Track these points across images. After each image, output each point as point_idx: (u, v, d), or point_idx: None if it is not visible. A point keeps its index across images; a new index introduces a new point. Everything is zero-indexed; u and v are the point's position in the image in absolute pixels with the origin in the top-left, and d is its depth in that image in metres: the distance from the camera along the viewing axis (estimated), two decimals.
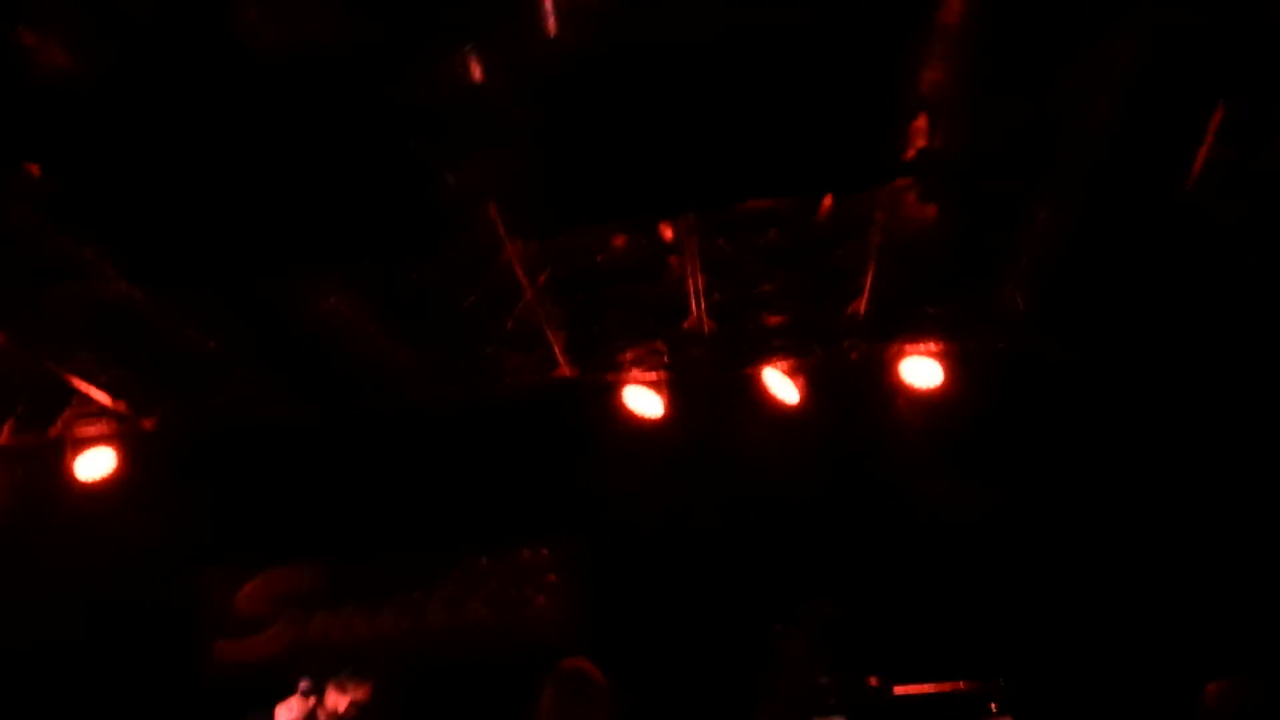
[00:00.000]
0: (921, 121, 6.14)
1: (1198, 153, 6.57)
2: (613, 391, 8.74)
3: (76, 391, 8.44)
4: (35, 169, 5.69)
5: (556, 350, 8.46)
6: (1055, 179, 6.77)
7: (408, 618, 9.77)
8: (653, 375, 8.69)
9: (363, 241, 6.45)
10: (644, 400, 8.74)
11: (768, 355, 8.58)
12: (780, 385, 8.64)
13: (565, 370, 8.62)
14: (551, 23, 5.16)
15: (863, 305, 8.20)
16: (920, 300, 8.32)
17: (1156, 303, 7.89)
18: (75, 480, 8.77)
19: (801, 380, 8.63)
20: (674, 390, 8.70)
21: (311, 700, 6.07)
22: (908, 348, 8.56)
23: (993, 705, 7.80)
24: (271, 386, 8.44)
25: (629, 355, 8.60)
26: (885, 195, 6.97)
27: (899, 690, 7.38)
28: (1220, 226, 7.17)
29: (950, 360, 8.53)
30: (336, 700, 6.23)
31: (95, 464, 8.77)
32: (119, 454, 8.81)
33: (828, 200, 7.18)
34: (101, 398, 8.51)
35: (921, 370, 8.57)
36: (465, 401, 8.71)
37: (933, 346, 8.55)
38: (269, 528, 9.47)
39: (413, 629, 9.71)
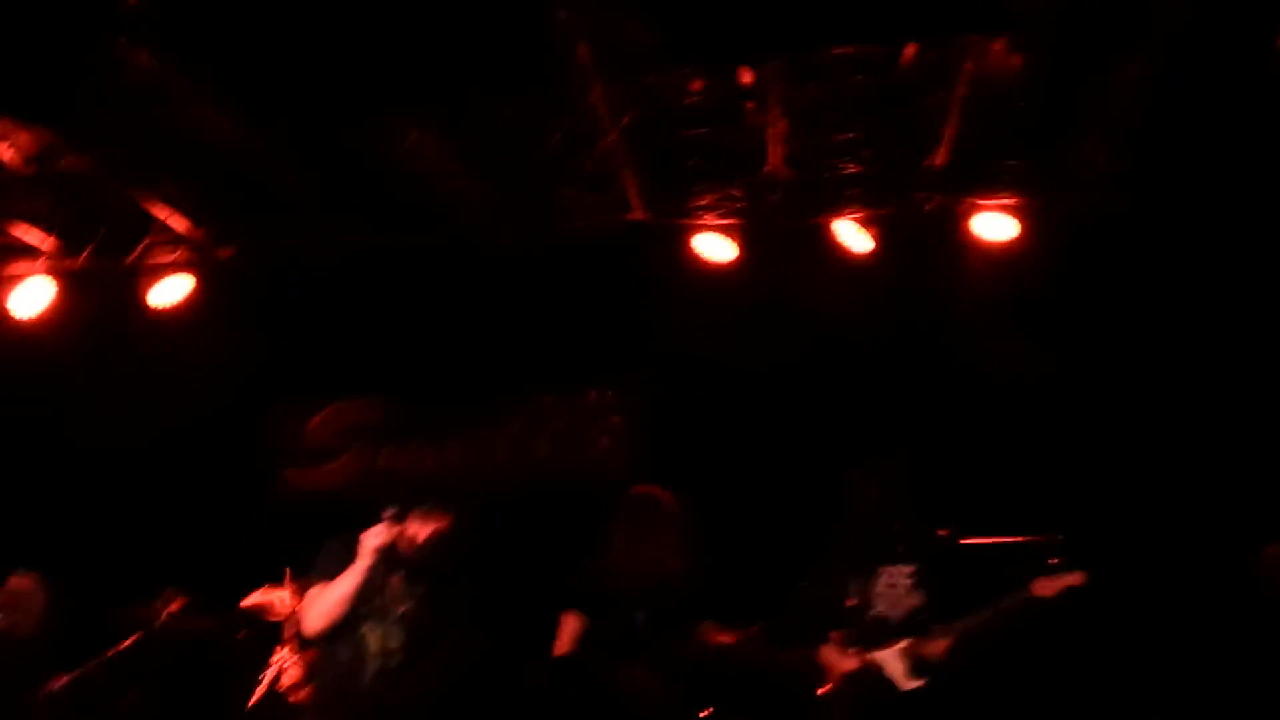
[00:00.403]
0: None
1: None
2: (685, 236, 8.74)
3: (156, 220, 8.50)
4: None
5: (632, 193, 8.47)
6: (1145, 35, 6.69)
7: (474, 453, 9.87)
8: (726, 221, 8.67)
9: (453, 77, 6.44)
10: (715, 246, 8.75)
11: (842, 205, 8.54)
12: (852, 236, 8.62)
13: (639, 213, 8.63)
14: None
15: (941, 157, 8.16)
16: (999, 154, 8.26)
17: (1239, 166, 7.81)
18: (150, 307, 8.85)
19: (874, 231, 8.61)
20: (746, 237, 8.69)
21: (397, 528, 6.16)
22: (983, 202, 8.51)
23: (1052, 559, 7.85)
24: (348, 222, 8.46)
25: (703, 200, 8.59)
26: (973, 45, 6.92)
27: (965, 541, 7.44)
28: None
29: (1026, 216, 8.49)
30: (418, 529, 6.32)
31: (171, 291, 8.85)
32: (195, 282, 8.88)
33: (912, 48, 7.14)
34: (180, 226, 8.57)
35: (996, 225, 8.53)
36: (539, 242, 8.74)
37: (1009, 201, 8.49)
38: (340, 361, 9.53)
39: (479, 464, 9.82)
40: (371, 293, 9.25)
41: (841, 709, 7.04)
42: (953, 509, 7.40)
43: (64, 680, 7.53)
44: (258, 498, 9.51)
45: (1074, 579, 6.82)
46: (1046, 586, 6.83)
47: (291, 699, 7.92)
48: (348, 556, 6.16)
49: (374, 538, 6.12)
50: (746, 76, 7.36)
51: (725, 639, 7.33)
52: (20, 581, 7.39)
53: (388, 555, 6.22)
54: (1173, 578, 7.96)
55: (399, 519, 6.18)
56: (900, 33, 6.75)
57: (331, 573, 6.23)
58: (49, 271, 8.80)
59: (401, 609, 6.31)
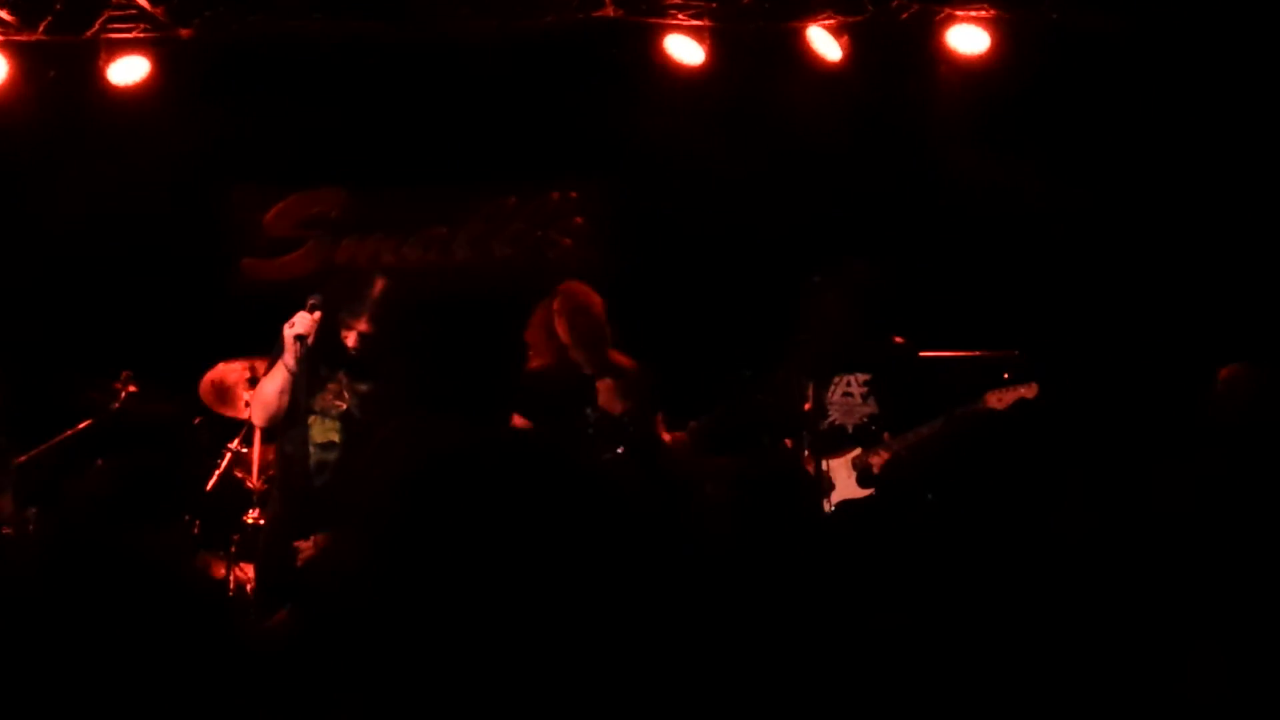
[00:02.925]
0: None
1: None
2: (655, 35, 8.63)
3: None
4: None
5: None
6: None
7: (433, 251, 9.80)
8: (698, 23, 8.56)
9: None
10: (685, 48, 8.64)
11: (815, 10, 8.43)
12: (824, 42, 8.53)
13: (609, 10, 8.48)
14: None
15: None
16: None
17: None
18: (108, 85, 8.66)
19: (846, 39, 8.51)
20: (716, 39, 8.58)
21: (318, 315, 6.16)
22: (958, 13, 8.43)
23: (1005, 374, 7.89)
24: (314, 3, 8.30)
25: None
26: None
27: (923, 355, 7.47)
28: None
29: (999, 29, 8.41)
30: (351, 323, 6.34)
31: (129, 70, 8.64)
32: (153, 61, 8.66)
33: None
34: (141, 1, 8.35)
35: (969, 37, 8.46)
36: (505, 35, 8.57)
37: (984, 13, 8.41)
38: (300, 150, 9.38)
39: (437, 262, 9.77)
40: (335, 81, 9.09)
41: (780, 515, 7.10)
42: (912, 321, 7.41)
43: (19, 460, 7.50)
44: (215, 284, 9.40)
45: (1026, 391, 6.86)
46: (999, 399, 6.87)
47: (247, 485, 7.94)
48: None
49: (292, 328, 6.12)
50: None
51: (665, 437, 7.36)
52: None
53: (325, 351, 6.23)
54: (1128, 395, 8.01)
55: (319, 307, 6.17)
56: None
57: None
58: (5, 43, 8.58)
59: (343, 405, 6.40)
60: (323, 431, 6.39)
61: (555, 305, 7.28)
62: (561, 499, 1.86)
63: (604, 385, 7.15)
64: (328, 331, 6.32)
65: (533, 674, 1.81)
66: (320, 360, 6.35)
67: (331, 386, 6.42)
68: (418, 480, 1.93)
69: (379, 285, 6.49)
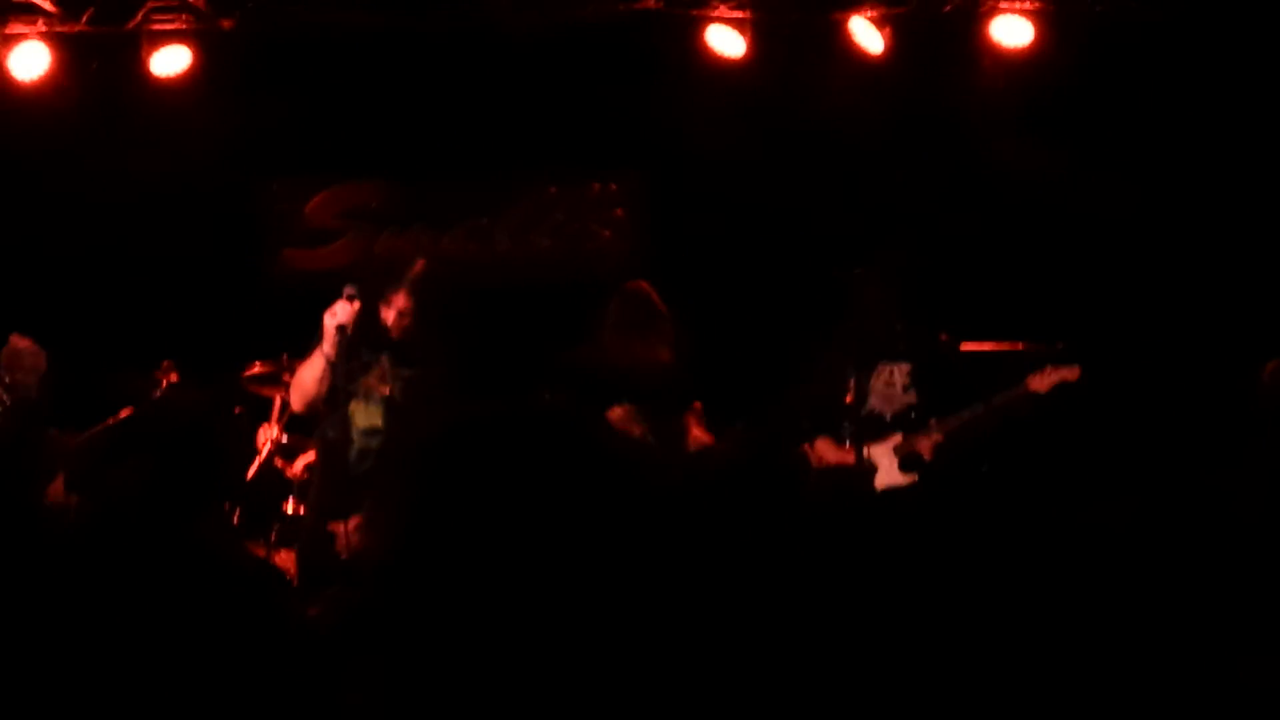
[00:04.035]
0: None
1: None
2: (696, 27, 8.61)
3: None
4: None
5: None
6: None
7: (474, 242, 9.82)
8: (738, 14, 8.55)
9: None
10: (727, 39, 8.62)
11: (858, 2, 8.43)
12: (867, 34, 8.50)
13: (650, 1, 8.49)
14: None
15: None
16: None
17: None
18: (151, 75, 8.71)
19: (888, 31, 8.49)
20: (758, 31, 8.56)
21: (357, 305, 6.21)
22: (1002, 4, 8.41)
23: (1047, 367, 7.86)
24: None
25: None
26: None
27: (965, 347, 7.47)
28: None
29: (1043, 20, 8.38)
30: (386, 311, 6.38)
31: (171, 61, 8.69)
32: (195, 52, 8.70)
33: None
34: None
35: (1013, 28, 8.44)
36: (548, 25, 8.59)
37: (1027, 5, 8.39)
38: (341, 141, 9.41)
39: (478, 253, 9.78)
40: (376, 73, 9.12)
41: (824, 500, 7.07)
42: (955, 311, 7.41)
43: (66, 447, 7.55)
44: (256, 274, 9.43)
45: (1069, 373, 6.83)
46: (1041, 381, 6.85)
47: (287, 474, 7.96)
48: None
49: (333, 316, 6.14)
50: None
51: (704, 435, 7.34)
52: (20, 341, 7.35)
53: (367, 336, 6.28)
54: (1171, 385, 7.97)
55: (358, 297, 6.20)
56: None
57: None
58: (48, 34, 8.62)
59: (386, 390, 6.39)
60: (366, 417, 6.38)
61: (618, 301, 7.30)
62: (572, 469, 1.85)
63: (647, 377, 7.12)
64: (368, 317, 6.34)
65: (542, 649, 1.79)
66: (361, 346, 6.34)
67: (375, 371, 6.41)
68: (437, 450, 1.93)
69: (418, 265, 6.51)
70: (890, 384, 7.14)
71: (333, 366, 6.25)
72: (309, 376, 6.39)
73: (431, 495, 1.87)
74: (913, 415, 7.03)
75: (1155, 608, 3.19)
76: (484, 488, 1.84)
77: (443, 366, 6.42)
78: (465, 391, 6.23)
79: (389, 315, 6.38)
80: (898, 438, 7.00)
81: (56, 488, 6.97)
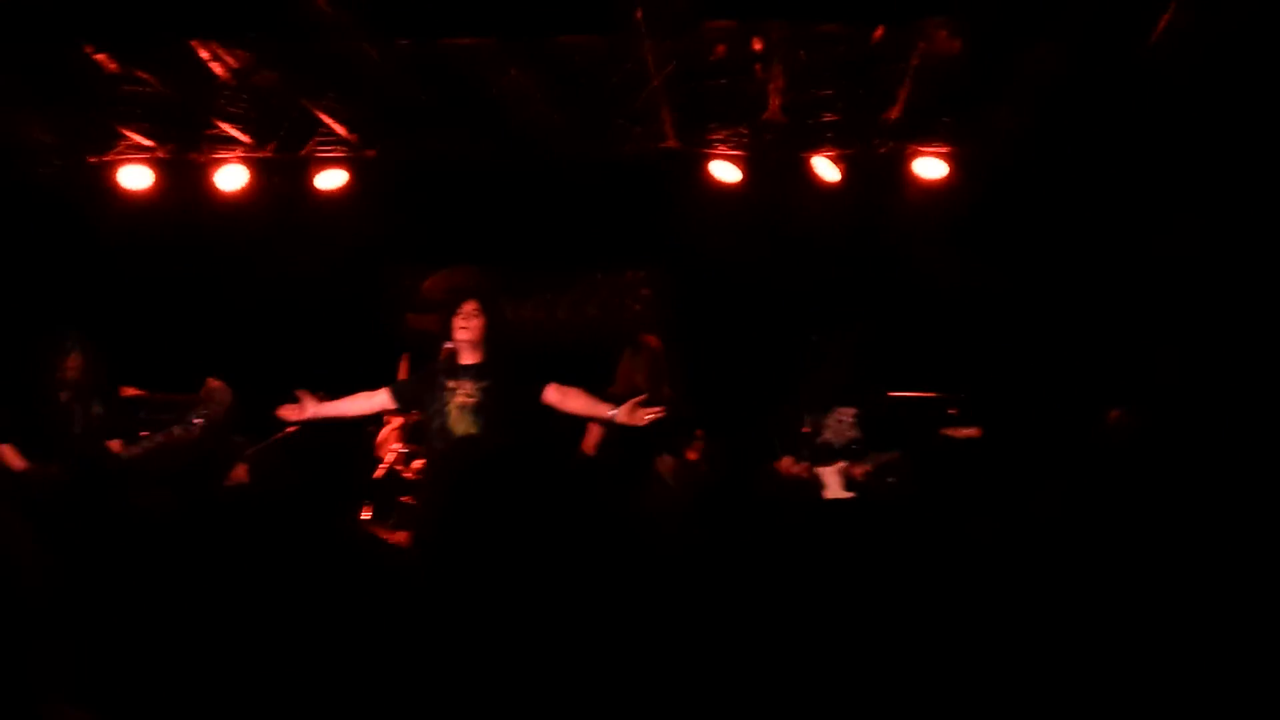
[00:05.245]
0: None
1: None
2: (703, 162, 8.74)
3: (321, 123, 8.50)
4: None
5: (667, 126, 8.41)
6: (1055, 24, 6.62)
7: (542, 311, 10.03)
8: (735, 152, 8.66)
9: (540, 29, 6.44)
10: (726, 170, 8.75)
11: (820, 144, 8.51)
12: (826, 169, 8.63)
13: (672, 142, 8.59)
14: None
15: (895, 112, 8.10)
16: (939, 112, 8.21)
17: (1118, 126, 7.74)
18: (315, 189, 8.93)
19: (842, 166, 8.59)
20: (749, 165, 8.68)
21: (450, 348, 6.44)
22: (923, 149, 8.49)
23: (952, 410, 7.88)
24: (461, 132, 8.44)
25: (719, 135, 8.55)
26: (926, 28, 6.85)
27: (892, 395, 7.50)
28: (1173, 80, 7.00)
29: (955, 161, 8.48)
30: (464, 355, 6.54)
31: (331, 179, 8.92)
32: (349, 173, 8.92)
33: (880, 30, 7.07)
34: (340, 129, 8.58)
35: (932, 167, 8.56)
36: (596, 158, 8.70)
37: (943, 149, 8.48)
38: (449, 237, 9.51)
39: (545, 319, 9.98)
40: (477, 188, 9.26)
41: (782, 504, 7.10)
42: (887, 370, 7.44)
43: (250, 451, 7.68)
44: (386, 334, 9.53)
45: (972, 432, 6.90)
46: (952, 434, 6.90)
47: (405, 475, 8.05)
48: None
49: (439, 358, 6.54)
50: (757, 44, 7.30)
51: (692, 455, 7.37)
52: (214, 382, 7.50)
53: (454, 367, 6.49)
54: (1044, 432, 7.97)
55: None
56: (870, 17, 6.71)
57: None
58: (244, 158, 8.84)
59: (473, 401, 6.44)
60: (464, 426, 6.41)
61: (632, 350, 7.42)
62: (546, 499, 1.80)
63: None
64: (452, 357, 6.51)
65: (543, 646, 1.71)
66: (448, 375, 6.51)
67: (463, 389, 6.46)
68: (450, 476, 1.94)
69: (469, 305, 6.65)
70: (840, 422, 7.19)
71: (430, 394, 6.46)
72: (414, 390, 6.65)
73: (453, 503, 1.85)
74: (854, 447, 7.09)
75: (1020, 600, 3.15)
76: (492, 501, 1.80)
77: (508, 385, 6.49)
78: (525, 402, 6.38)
79: (466, 357, 6.52)
80: (842, 464, 7.03)
81: (236, 473, 7.11)
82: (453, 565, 1.76)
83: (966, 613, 2.98)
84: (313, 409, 6.66)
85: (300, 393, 6.73)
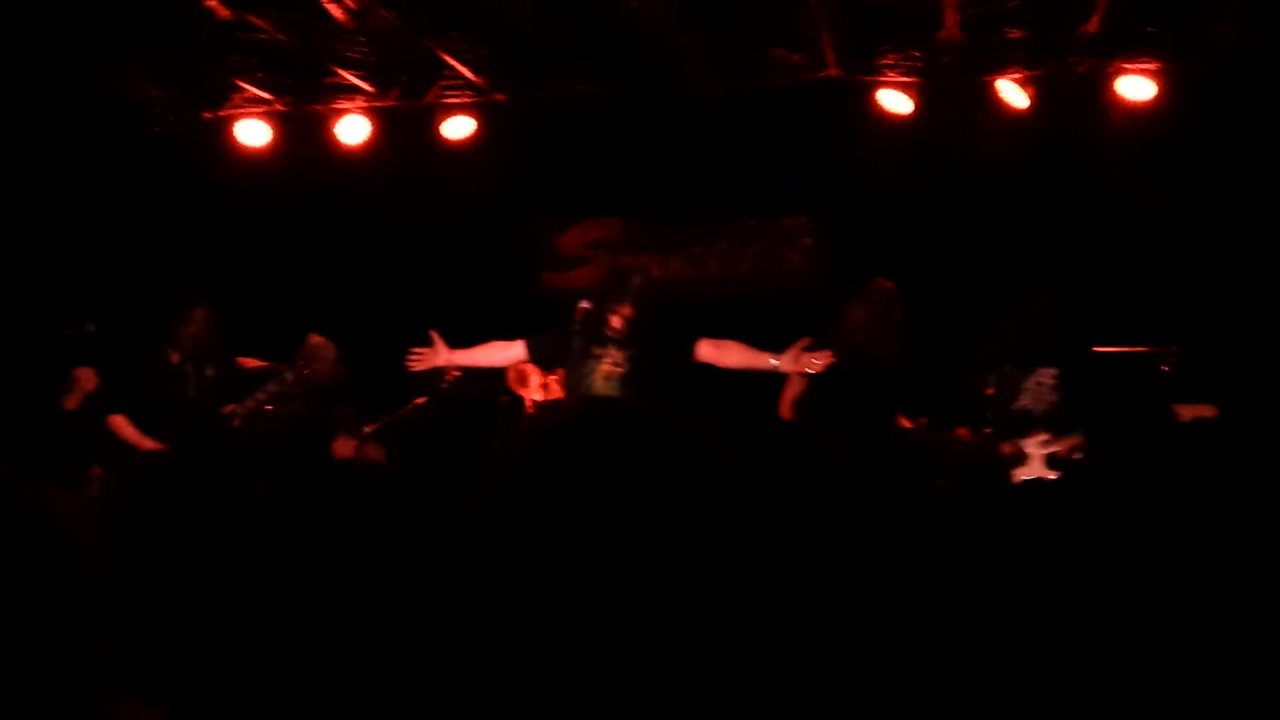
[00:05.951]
0: None
1: None
2: (869, 91, 7.95)
3: (446, 65, 8.02)
4: None
5: (828, 53, 7.71)
6: None
7: (691, 266, 9.39)
8: (906, 79, 7.87)
9: None
10: (896, 100, 7.95)
11: (1005, 66, 7.67)
12: (1013, 93, 7.77)
13: (833, 70, 7.88)
14: None
15: (1094, 24, 7.24)
16: (1143, 23, 7.31)
17: None
18: (442, 138, 8.47)
19: (1032, 90, 7.74)
20: (922, 93, 7.88)
21: (594, 309, 6.15)
22: (1127, 66, 7.57)
23: (1164, 367, 7.02)
24: (595, 71, 7.93)
25: (888, 60, 7.79)
26: None
27: (1097, 349, 6.68)
28: None
29: (1163, 79, 7.53)
30: (613, 317, 6.12)
31: (459, 127, 8.45)
32: (477, 120, 8.44)
33: None
34: (466, 73, 8.09)
35: (1137, 87, 7.60)
36: (747, 92, 8.08)
37: (1150, 66, 7.53)
38: (588, 187, 9.01)
39: (695, 274, 9.34)
40: (617, 132, 8.68)
41: (956, 484, 6.33)
42: (1092, 322, 6.63)
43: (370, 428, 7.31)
44: (521, 292, 9.07)
45: (1207, 411, 5.98)
46: (1186, 412, 6.00)
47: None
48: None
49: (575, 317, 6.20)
50: None
51: (906, 423, 6.69)
52: (315, 338, 7.06)
53: (599, 333, 6.17)
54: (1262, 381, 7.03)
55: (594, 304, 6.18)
56: None
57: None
58: (366, 108, 8.44)
59: (620, 370, 6.16)
60: (609, 391, 6.11)
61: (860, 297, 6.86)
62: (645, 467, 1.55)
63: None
64: (599, 319, 6.16)
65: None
66: (593, 340, 6.17)
67: (609, 358, 6.15)
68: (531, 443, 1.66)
69: (637, 280, 6.30)
70: (1040, 384, 6.37)
71: (571, 356, 6.20)
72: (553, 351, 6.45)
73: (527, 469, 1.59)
74: (1058, 414, 6.25)
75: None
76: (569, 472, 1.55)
77: (655, 353, 6.16)
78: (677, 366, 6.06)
79: (615, 319, 6.12)
80: (1045, 435, 6.23)
81: (340, 447, 6.87)
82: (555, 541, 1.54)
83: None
84: (445, 355, 6.53)
85: (433, 333, 6.50)
